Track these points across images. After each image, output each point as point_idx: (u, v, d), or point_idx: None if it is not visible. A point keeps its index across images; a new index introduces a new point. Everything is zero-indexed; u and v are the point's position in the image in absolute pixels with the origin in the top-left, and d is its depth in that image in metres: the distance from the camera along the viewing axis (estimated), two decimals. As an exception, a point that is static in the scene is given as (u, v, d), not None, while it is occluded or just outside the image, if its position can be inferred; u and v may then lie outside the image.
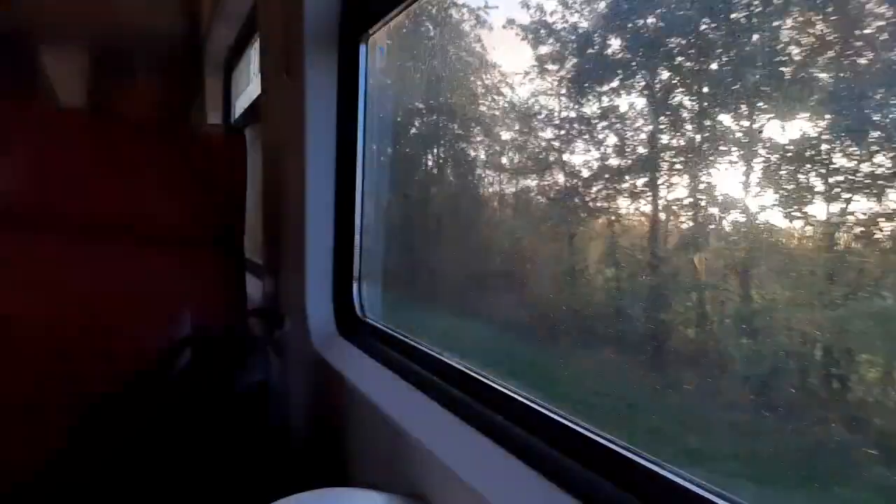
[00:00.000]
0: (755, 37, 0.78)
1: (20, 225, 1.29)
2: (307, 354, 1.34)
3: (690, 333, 0.93)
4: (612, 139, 1.03)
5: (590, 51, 1.09)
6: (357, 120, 1.32)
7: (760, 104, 0.78)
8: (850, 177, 0.67)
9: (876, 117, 0.66)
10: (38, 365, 1.20)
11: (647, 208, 0.96)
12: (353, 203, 1.37)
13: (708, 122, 0.88)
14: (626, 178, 1.01)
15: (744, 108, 0.80)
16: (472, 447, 0.80)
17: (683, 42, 0.88)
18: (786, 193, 0.74)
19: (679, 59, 0.92)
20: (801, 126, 0.73)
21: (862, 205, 0.66)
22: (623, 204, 1.03)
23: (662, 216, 0.95)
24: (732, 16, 0.82)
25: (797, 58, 0.73)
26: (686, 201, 0.90)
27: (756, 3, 0.79)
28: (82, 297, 1.26)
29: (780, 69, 0.75)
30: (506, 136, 1.40)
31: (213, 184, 1.42)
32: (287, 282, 1.56)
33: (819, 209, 0.71)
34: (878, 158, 0.65)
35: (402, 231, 1.58)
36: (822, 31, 0.71)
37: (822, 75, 0.72)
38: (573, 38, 1.10)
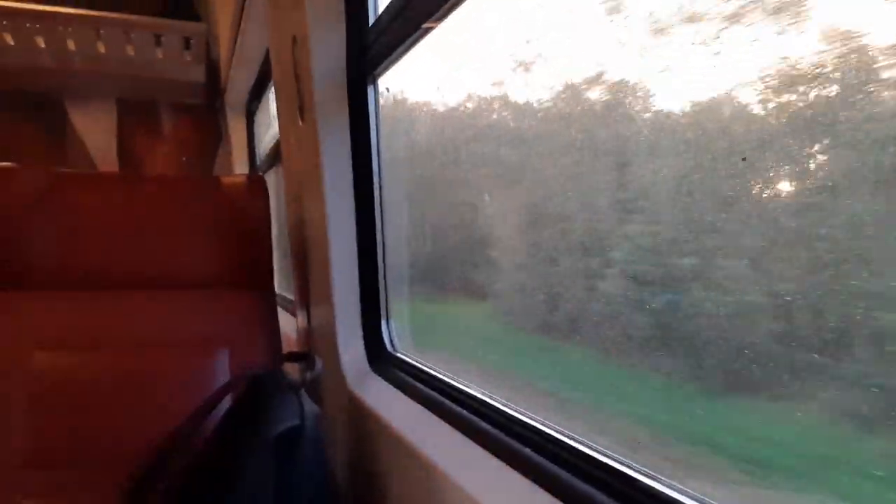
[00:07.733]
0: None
1: (60, 284, 1.34)
2: (341, 393, 1.34)
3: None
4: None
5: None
6: (371, 157, 1.34)
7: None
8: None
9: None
10: (79, 418, 1.24)
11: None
12: (374, 238, 1.38)
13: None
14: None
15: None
16: (513, 490, 0.78)
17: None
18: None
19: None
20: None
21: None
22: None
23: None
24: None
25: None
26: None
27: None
28: (122, 350, 1.30)
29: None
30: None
31: (240, 229, 1.46)
32: (318, 321, 1.57)
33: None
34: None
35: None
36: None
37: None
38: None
